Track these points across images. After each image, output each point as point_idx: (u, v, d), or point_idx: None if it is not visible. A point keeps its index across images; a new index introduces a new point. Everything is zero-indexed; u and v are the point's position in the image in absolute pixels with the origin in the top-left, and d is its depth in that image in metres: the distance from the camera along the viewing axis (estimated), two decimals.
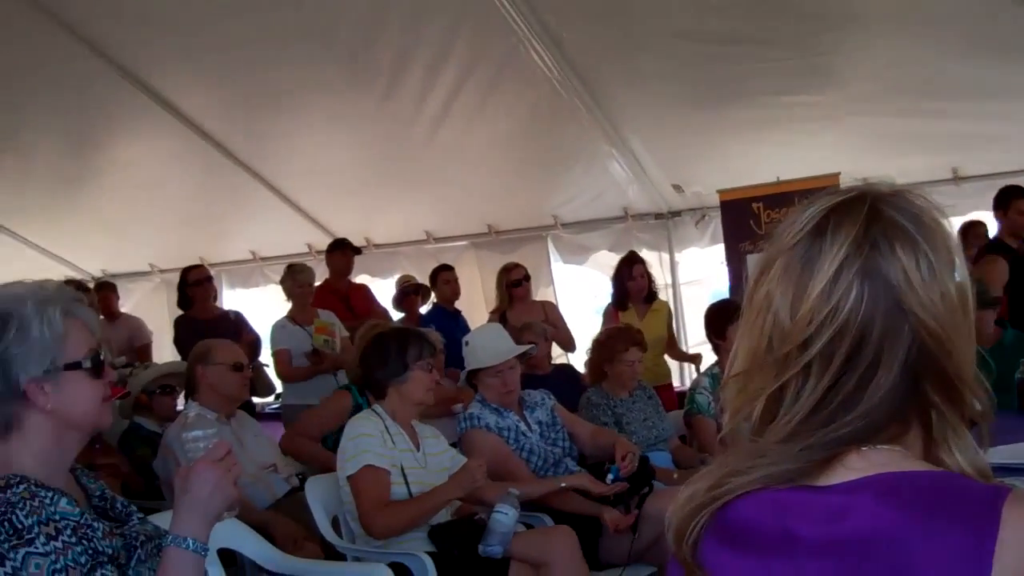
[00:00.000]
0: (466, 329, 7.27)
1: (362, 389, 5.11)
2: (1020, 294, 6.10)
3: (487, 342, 4.98)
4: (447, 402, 5.59)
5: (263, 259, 10.61)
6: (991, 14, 6.02)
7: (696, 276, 9.14)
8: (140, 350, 8.37)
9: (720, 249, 8.06)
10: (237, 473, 2.16)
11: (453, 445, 4.59)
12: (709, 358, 6.11)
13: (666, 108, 7.43)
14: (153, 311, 10.07)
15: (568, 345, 7.49)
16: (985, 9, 6.01)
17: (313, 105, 7.74)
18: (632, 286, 6.97)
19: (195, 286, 7.27)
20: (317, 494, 4.22)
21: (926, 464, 1.12)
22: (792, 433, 1.13)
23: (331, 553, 4.17)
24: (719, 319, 5.37)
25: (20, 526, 1.91)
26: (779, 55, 6.50)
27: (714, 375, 5.49)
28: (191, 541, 2.05)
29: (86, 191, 9.28)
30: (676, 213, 9.00)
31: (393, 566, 3.67)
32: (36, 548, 1.91)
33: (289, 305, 7.12)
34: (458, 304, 8.03)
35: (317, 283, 7.45)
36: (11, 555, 1.89)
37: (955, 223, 4.24)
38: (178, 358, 6.84)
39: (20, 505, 1.94)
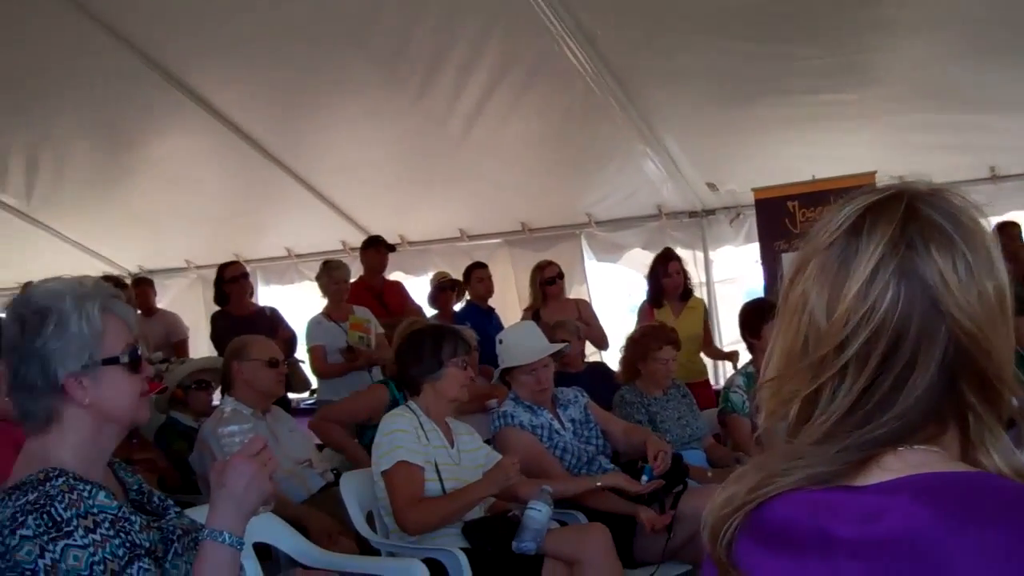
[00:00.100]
0: (499, 327, 7.26)
1: (399, 385, 5.12)
2: None
3: (521, 340, 4.98)
4: (481, 399, 5.59)
5: (298, 256, 10.66)
6: None
7: (730, 275, 9.09)
8: (176, 345, 8.42)
9: (755, 248, 8.02)
10: (273, 468, 2.17)
11: (487, 442, 4.59)
12: (745, 356, 6.08)
13: (701, 106, 7.40)
14: (188, 307, 10.12)
15: (601, 343, 7.48)
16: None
17: (348, 102, 7.75)
18: (668, 283, 6.93)
19: (231, 282, 7.31)
20: (352, 489, 4.24)
21: (963, 465, 1.11)
22: (827, 434, 1.12)
23: (365, 548, 4.18)
24: (754, 318, 5.35)
25: (59, 519, 1.94)
26: (815, 53, 6.46)
27: (748, 374, 5.47)
28: (227, 535, 2.07)
29: (122, 187, 9.34)
30: (710, 211, 8.96)
31: (427, 562, 3.67)
32: (75, 541, 1.93)
33: (325, 301, 7.15)
34: (491, 302, 8.04)
35: (352, 280, 7.47)
36: (50, 547, 1.91)
37: (992, 222, 4.19)
38: (214, 353, 6.89)
39: (59, 498, 1.96)
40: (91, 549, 1.94)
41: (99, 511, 1.99)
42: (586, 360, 6.66)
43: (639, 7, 6.35)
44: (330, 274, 7.11)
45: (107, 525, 1.98)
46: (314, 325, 6.94)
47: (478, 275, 7.97)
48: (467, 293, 8.10)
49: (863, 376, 1.11)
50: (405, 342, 4.52)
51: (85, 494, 1.99)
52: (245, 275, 7.56)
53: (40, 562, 1.91)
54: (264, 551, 3.78)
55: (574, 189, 9.01)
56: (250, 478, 2.10)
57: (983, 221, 1.14)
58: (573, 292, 8.55)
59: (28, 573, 1.91)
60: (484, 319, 7.50)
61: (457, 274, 8.39)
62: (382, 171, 8.88)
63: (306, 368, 7.17)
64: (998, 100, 6.77)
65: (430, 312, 8.03)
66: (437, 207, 9.49)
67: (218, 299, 7.40)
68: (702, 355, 7.16)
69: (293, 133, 8.44)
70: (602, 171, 8.53)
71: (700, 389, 6.53)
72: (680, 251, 7.51)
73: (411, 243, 10.06)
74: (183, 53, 7.21)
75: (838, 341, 1.11)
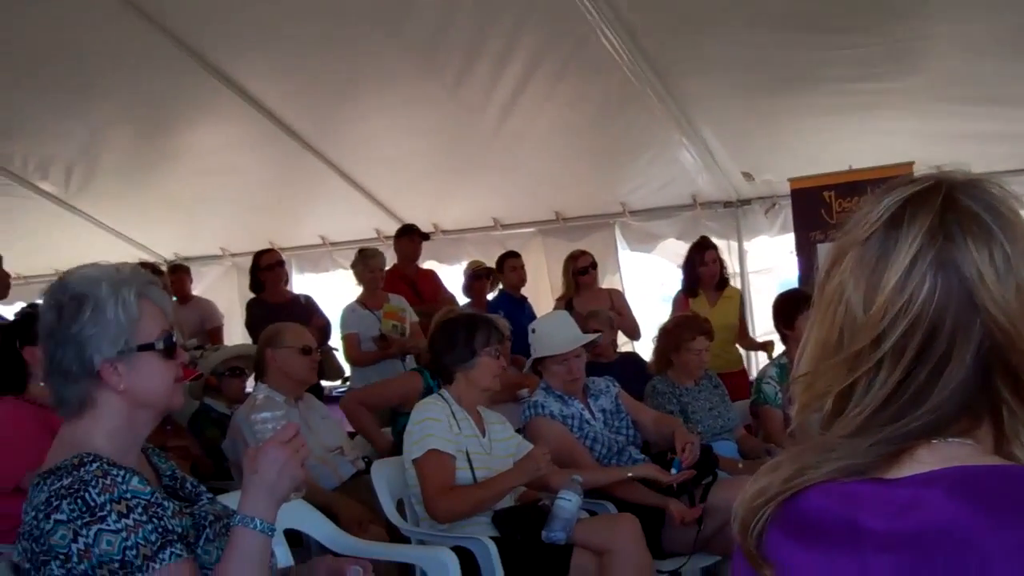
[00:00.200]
0: (532, 316, 7.27)
1: (433, 373, 5.13)
2: None
3: (553, 330, 4.97)
4: (512, 388, 5.59)
5: (332, 244, 10.69)
6: None
7: (765, 265, 9.03)
8: (211, 332, 8.47)
9: (790, 238, 7.95)
10: (304, 455, 2.18)
11: (518, 431, 4.59)
12: (779, 347, 6.04)
13: (737, 95, 7.33)
14: (223, 294, 10.19)
15: (633, 333, 7.46)
16: None
17: (383, 92, 7.75)
18: (704, 272, 6.90)
19: (267, 270, 7.35)
20: (383, 477, 4.26)
21: (997, 458, 1.10)
22: (861, 427, 1.11)
23: (395, 536, 4.20)
24: (788, 309, 5.32)
25: (93, 503, 1.95)
26: (852, 42, 6.38)
27: (781, 365, 5.44)
28: (259, 521, 2.08)
29: (159, 175, 9.39)
30: (746, 201, 8.89)
31: (457, 550, 3.68)
32: (108, 525, 1.95)
33: (359, 290, 7.18)
34: (524, 291, 8.04)
35: (386, 268, 7.49)
36: (84, 532, 1.93)
37: None
38: (248, 341, 6.93)
39: (93, 483, 1.97)
40: (124, 534, 1.95)
41: (132, 496, 2.00)
42: (618, 350, 6.65)
43: None
44: (365, 262, 7.13)
45: (140, 510, 2.00)
46: (348, 313, 6.96)
47: (511, 264, 7.97)
48: (500, 282, 8.09)
49: (898, 369, 1.10)
50: (439, 330, 4.53)
51: (119, 479, 2.01)
52: (280, 263, 7.60)
53: (73, 546, 1.93)
54: (295, 538, 3.81)
55: (608, 178, 8.97)
56: (282, 465, 2.11)
57: (1023, 212, 1.12)
58: (606, 282, 8.52)
59: (61, 557, 1.93)
60: (517, 308, 7.50)
61: (490, 263, 8.40)
62: (417, 160, 8.87)
63: (340, 356, 7.21)
64: None
65: (463, 300, 8.03)
66: (471, 196, 9.48)
67: (253, 287, 7.45)
68: (736, 345, 7.13)
69: (329, 122, 8.45)
70: (637, 161, 8.48)
71: (735, 379, 6.51)
72: (715, 241, 7.47)
73: (445, 232, 10.06)
74: (221, 42, 7.23)
75: (875, 334, 1.10)
